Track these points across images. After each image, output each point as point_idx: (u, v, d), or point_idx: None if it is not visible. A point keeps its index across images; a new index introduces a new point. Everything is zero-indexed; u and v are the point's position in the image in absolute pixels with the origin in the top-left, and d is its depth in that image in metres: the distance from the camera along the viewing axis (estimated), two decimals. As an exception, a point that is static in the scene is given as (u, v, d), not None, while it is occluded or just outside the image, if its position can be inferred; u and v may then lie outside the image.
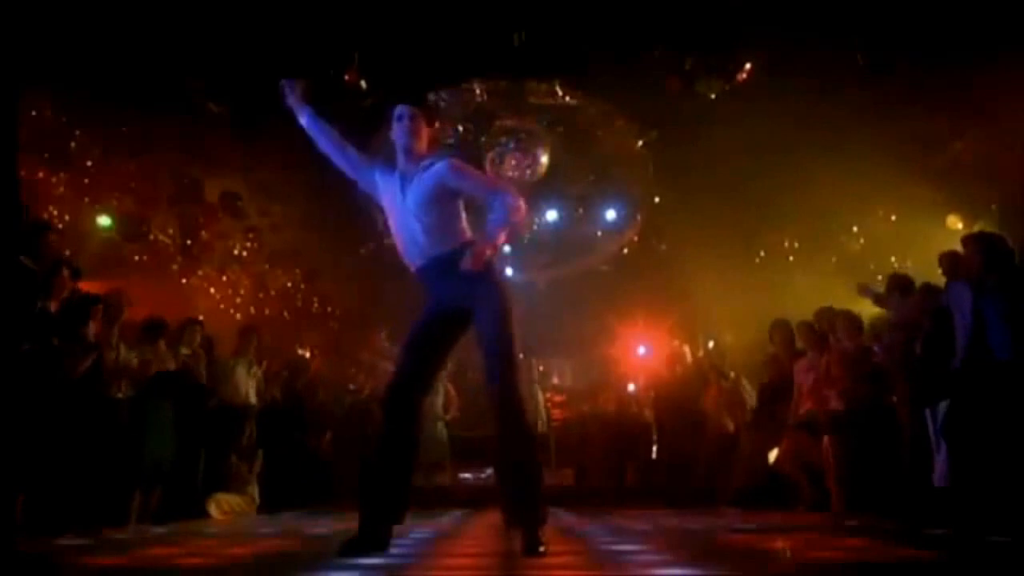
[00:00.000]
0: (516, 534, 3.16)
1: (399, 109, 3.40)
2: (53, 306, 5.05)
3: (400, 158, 3.41)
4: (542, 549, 3.03)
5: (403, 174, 3.39)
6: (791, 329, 7.06)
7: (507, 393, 3.17)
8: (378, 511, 3.18)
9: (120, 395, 5.70)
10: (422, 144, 3.39)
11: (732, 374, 8.14)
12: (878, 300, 5.99)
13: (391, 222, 3.46)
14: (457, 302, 3.26)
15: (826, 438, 6.10)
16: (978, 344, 4.62)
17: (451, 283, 3.25)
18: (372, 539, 3.11)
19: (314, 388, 8.98)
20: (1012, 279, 4.67)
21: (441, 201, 3.31)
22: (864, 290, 6.01)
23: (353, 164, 3.53)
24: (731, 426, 7.77)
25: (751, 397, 7.70)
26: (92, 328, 5.26)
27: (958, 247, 5.25)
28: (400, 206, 3.37)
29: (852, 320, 6.27)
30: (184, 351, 6.68)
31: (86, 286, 5.72)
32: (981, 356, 4.60)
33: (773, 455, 6.75)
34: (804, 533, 4.29)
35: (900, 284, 5.84)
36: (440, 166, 3.32)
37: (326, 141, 3.52)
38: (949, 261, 5.54)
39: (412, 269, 3.40)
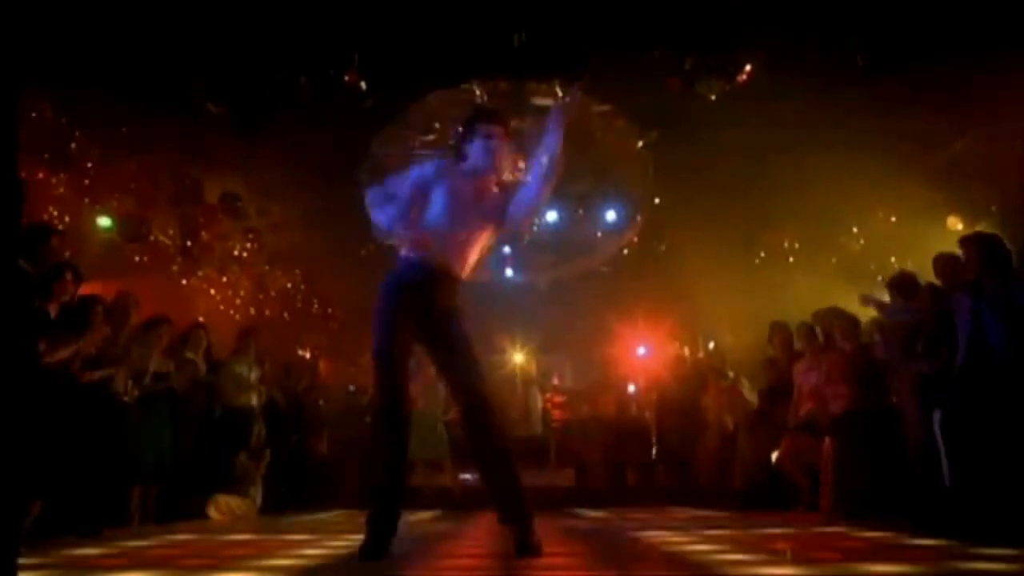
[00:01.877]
0: (509, 533, 3.16)
1: (493, 128, 3.40)
2: (54, 309, 5.04)
3: (479, 170, 3.40)
4: (536, 547, 3.04)
5: (479, 189, 3.38)
6: (790, 330, 7.06)
7: (486, 395, 3.24)
8: (383, 523, 3.17)
9: (125, 397, 5.70)
10: (504, 168, 3.44)
11: (732, 374, 8.15)
12: (881, 309, 5.91)
13: (447, 213, 3.32)
14: (432, 315, 3.27)
15: (827, 439, 6.10)
16: (977, 345, 4.62)
17: (439, 299, 3.29)
18: (377, 548, 3.10)
19: (314, 389, 9.00)
20: (1010, 280, 4.67)
21: (489, 237, 3.42)
22: (867, 300, 5.91)
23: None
24: (731, 426, 7.78)
25: (751, 397, 7.71)
26: (95, 331, 5.23)
27: (956, 248, 5.21)
28: (464, 212, 3.34)
29: (849, 321, 6.25)
30: (189, 355, 6.69)
31: (86, 287, 5.71)
32: (981, 357, 4.60)
33: (774, 456, 6.74)
34: (804, 533, 4.29)
35: (903, 283, 5.78)
36: (515, 219, 3.35)
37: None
38: (944, 264, 5.45)
39: (420, 264, 3.31)
